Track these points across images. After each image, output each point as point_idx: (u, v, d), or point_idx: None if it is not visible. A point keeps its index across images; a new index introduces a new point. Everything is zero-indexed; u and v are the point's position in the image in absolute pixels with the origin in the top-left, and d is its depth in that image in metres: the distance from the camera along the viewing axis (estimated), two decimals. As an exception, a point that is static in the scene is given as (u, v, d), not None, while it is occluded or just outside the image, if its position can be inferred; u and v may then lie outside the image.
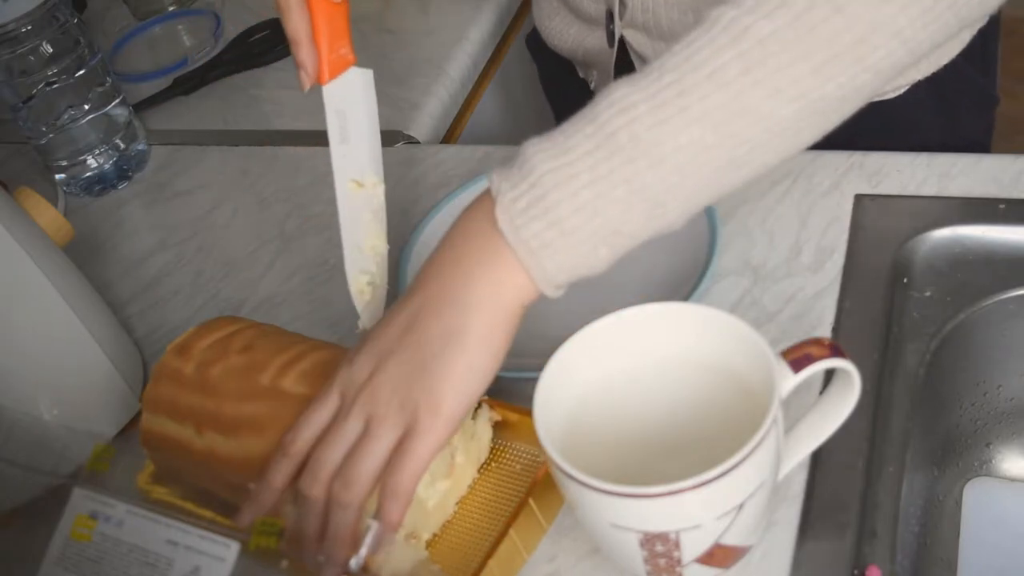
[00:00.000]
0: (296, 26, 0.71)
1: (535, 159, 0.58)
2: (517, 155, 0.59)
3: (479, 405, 0.68)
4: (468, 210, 0.61)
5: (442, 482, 0.66)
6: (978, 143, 0.98)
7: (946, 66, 0.87)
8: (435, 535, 0.67)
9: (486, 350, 0.59)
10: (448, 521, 0.67)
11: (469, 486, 0.68)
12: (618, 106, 0.57)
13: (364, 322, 0.72)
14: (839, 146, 0.88)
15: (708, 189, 0.58)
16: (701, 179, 0.57)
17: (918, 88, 0.87)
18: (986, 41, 0.91)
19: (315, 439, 0.62)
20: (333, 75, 0.71)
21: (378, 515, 0.59)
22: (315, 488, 0.60)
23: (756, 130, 0.57)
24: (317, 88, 1.12)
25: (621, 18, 0.91)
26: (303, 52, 0.71)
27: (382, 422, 0.59)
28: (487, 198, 0.60)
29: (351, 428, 0.60)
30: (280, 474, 0.62)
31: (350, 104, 0.73)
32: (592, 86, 1.00)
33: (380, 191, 0.75)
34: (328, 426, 0.61)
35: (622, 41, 0.93)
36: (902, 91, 0.87)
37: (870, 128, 0.87)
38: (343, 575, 0.58)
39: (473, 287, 0.59)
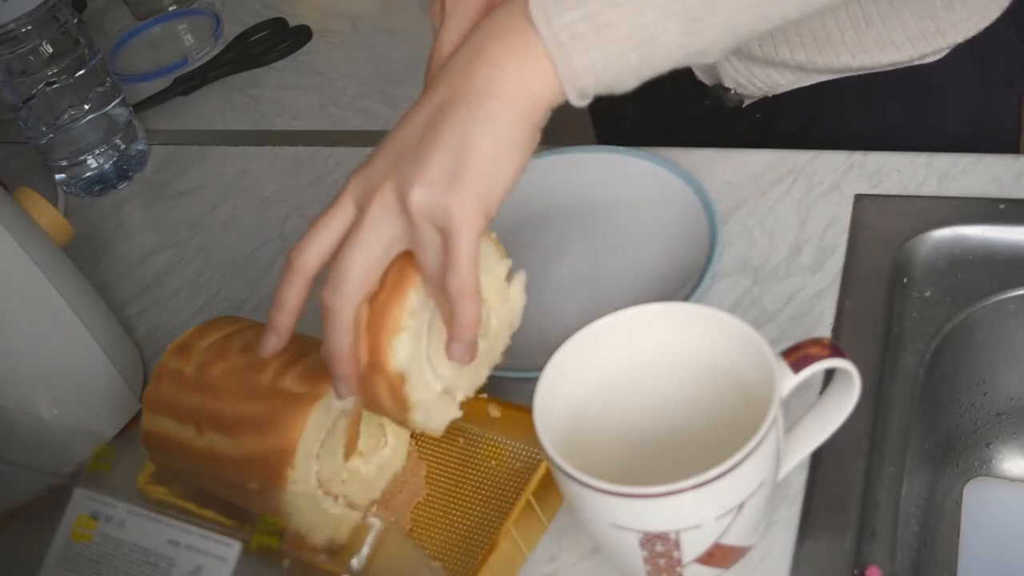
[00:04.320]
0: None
1: None
2: None
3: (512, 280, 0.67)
4: (496, 11, 0.60)
5: (480, 341, 0.63)
6: (1011, 110, 0.97)
7: (986, 30, 0.85)
8: (435, 534, 0.67)
9: (514, 139, 0.58)
10: (448, 519, 0.67)
11: (503, 353, 0.67)
12: None
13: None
14: (881, 104, 0.88)
15: (743, 15, 0.57)
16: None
17: (957, 52, 0.86)
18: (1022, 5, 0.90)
19: (329, 252, 0.60)
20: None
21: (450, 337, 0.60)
22: (338, 299, 0.59)
23: None
24: (317, 89, 1.13)
25: None
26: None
27: (419, 227, 0.58)
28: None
29: (376, 234, 0.59)
30: (293, 292, 0.61)
31: None
32: None
33: None
34: (346, 236, 0.60)
35: None
36: (942, 55, 0.85)
37: (910, 91, 0.87)
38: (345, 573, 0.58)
39: (501, 77, 0.58)
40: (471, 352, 0.61)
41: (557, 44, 0.57)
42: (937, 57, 0.85)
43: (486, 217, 0.58)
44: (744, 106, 0.92)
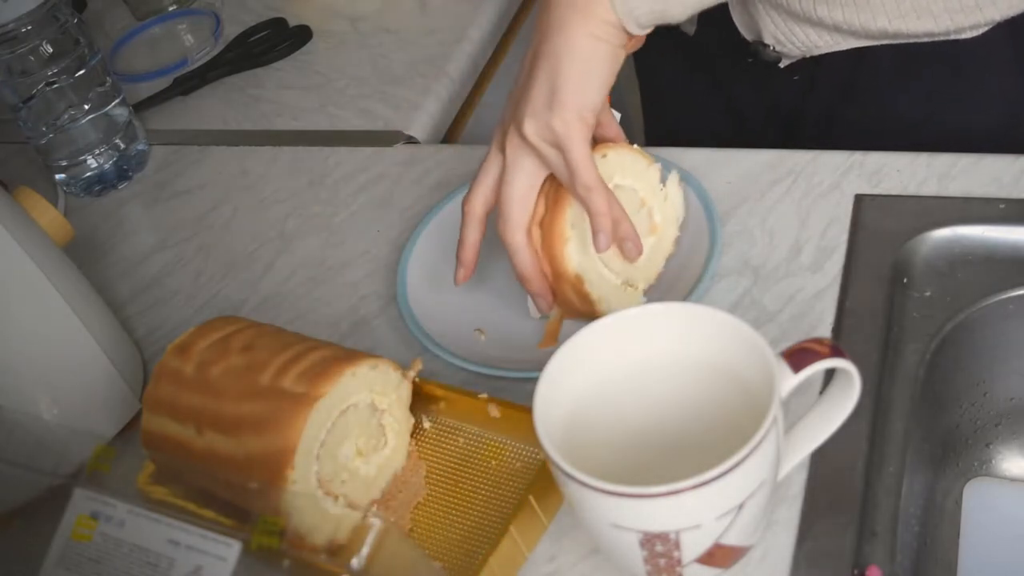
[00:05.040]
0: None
1: None
2: None
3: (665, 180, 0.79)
4: None
5: (648, 237, 0.77)
6: None
7: None
8: (435, 534, 0.67)
9: (594, 58, 0.70)
10: (448, 519, 0.67)
11: (674, 242, 0.79)
12: None
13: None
14: (916, 79, 0.88)
15: None
16: None
17: (996, 30, 0.85)
18: None
19: (491, 195, 0.74)
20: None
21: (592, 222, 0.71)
22: (508, 228, 0.73)
23: None
24: (317, 89, 1.13)
25: None
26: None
27: (541, 150, 0.71)
28: None
29: (518, 168, 0.72)
30: (471, 232, 0.75)
31: None
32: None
33: None
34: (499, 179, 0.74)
35: None
36: (980, 31, 0.85)
37: (945, 69, 0.87)
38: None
39: (572, 12, 0.70)
40: (636, 248, 0.74)
41: None
42: (974, 33, 0.85)
43: (586, 125, 0.70)
44: (783, 66, 0.92)
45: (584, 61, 0.70)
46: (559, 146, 0.70)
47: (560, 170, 0.71)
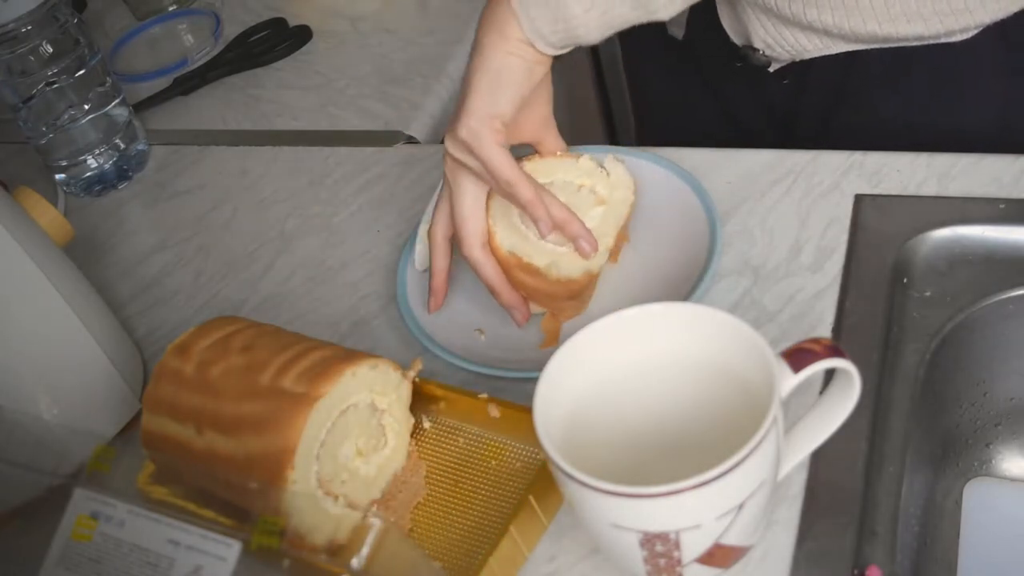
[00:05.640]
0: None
1: None
2: None
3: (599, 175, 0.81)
4: None
5: (596, 208, 0.80)
6: None
7: (1016, 15, 0.84)
8: (435, 534, 0.67)
9: (504, 70, 0.72)
10: (448, 519, 0.68)
11: (629, 207, 0.81)
12: None
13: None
14: (907, 83, 0.88)
15: None
16: None
17: (985, 33, 0.84)
18: None
19: (449, 222, 0.77)
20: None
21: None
22: (464, 246, 0.76)
23: None
24: (317, 89, 1.13)
25: None
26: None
27: (463, 161, 0.73)
28: None
29: (458, 187, 0.75)
30: (438, 258, 0.78)
31: None
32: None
33: None
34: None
35: None
36: (970, 34, 0.84)
37: (936, 71, 0.87)
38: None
39: (487, 32, 0.73)
40: (590, 244, 0.76)
41: (519, 4, 0.72)
42: (965, 36, 0.84)
43: (492, 129, 0.72)
44: (773, 70, 0.92)
45: (494, 73, 0.73)
46: (472, 153, 0.72)
47: (483, 176, 0.74)
